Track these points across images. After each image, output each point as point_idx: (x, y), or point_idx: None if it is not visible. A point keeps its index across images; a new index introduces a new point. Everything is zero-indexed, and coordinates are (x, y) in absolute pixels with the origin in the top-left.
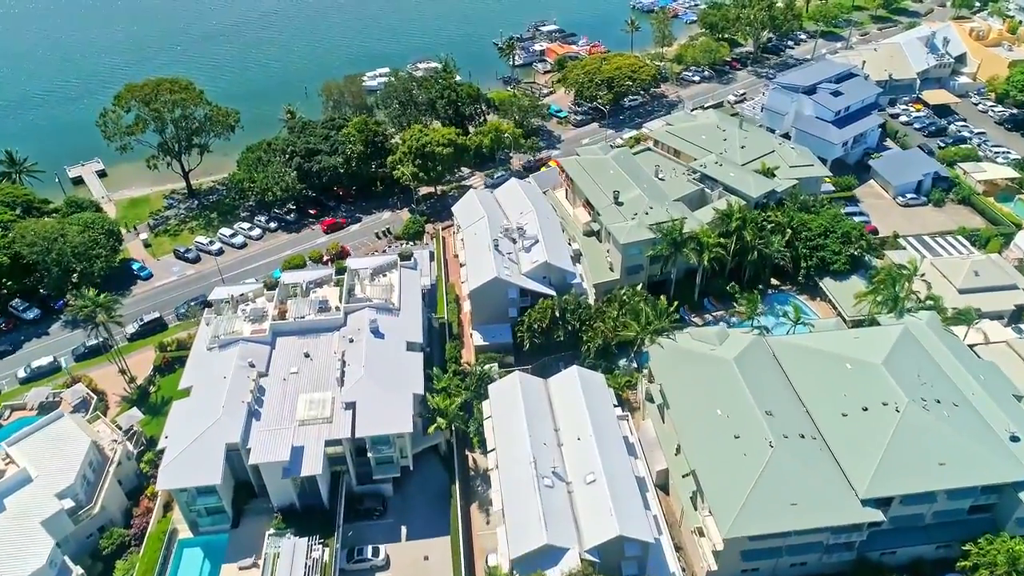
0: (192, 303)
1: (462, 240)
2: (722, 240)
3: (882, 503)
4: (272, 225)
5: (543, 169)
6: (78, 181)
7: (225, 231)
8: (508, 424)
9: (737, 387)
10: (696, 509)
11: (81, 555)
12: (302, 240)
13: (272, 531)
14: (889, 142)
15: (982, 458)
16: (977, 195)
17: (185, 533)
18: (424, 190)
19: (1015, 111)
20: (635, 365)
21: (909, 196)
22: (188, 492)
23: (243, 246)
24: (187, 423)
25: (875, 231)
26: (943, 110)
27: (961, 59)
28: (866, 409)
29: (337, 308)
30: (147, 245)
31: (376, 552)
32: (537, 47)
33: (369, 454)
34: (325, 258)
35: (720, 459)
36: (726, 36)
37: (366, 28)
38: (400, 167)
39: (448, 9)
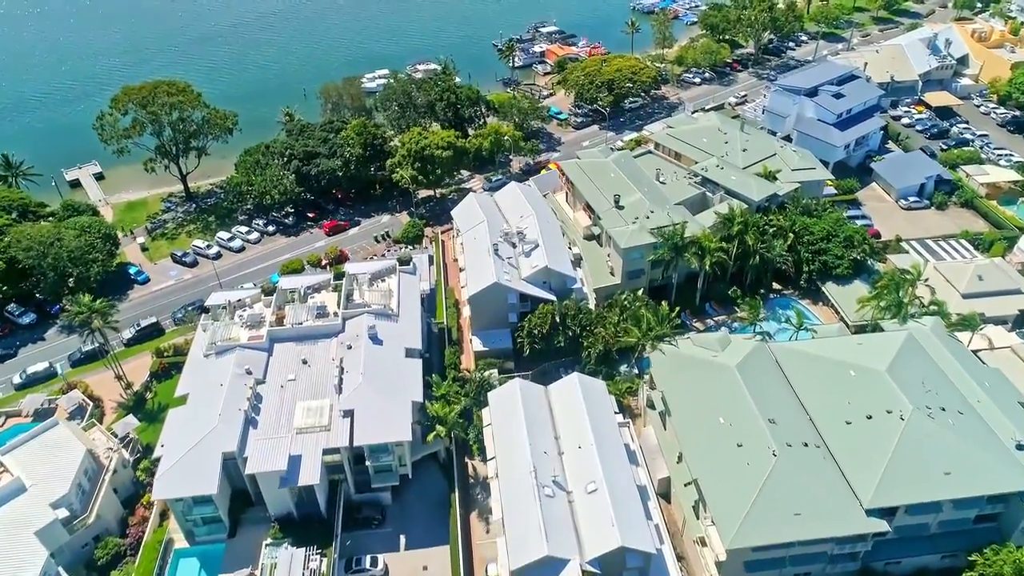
0: (189, 308)
1: (461, 244)
2: (724, 244)
3: (887, 513)
4: (270, 229)
5: (543, 172)
6: (75, 184)
7: (223, 235)
8: (508, 432)
9: (739, 394)
10: (698, 518)
11: (76, 565)
12: (300, 244)
13: (269, 541)
14: (891, 144)
15: (988, 467)
16: (980, 198)
17: (181, 543)
18: (423, 193)
19: (1017, 113)
20: (636, 371)
21: (912, 199)
22: (184, 502)
23: (241, 250)
24: (183, 431)
25: (877, 235)
26: (945, 112)
27: (963, 61)
28: (870, 417)
29: (335, 314)
30: (144, 249)
31: (375, 562)
32: (537, 48)
33: (367, 462)
34: (324, 262)
35: (723, 468)
36: (727, 37)
37: (365, 29)
38: (399, 170)
39: (447, 10)
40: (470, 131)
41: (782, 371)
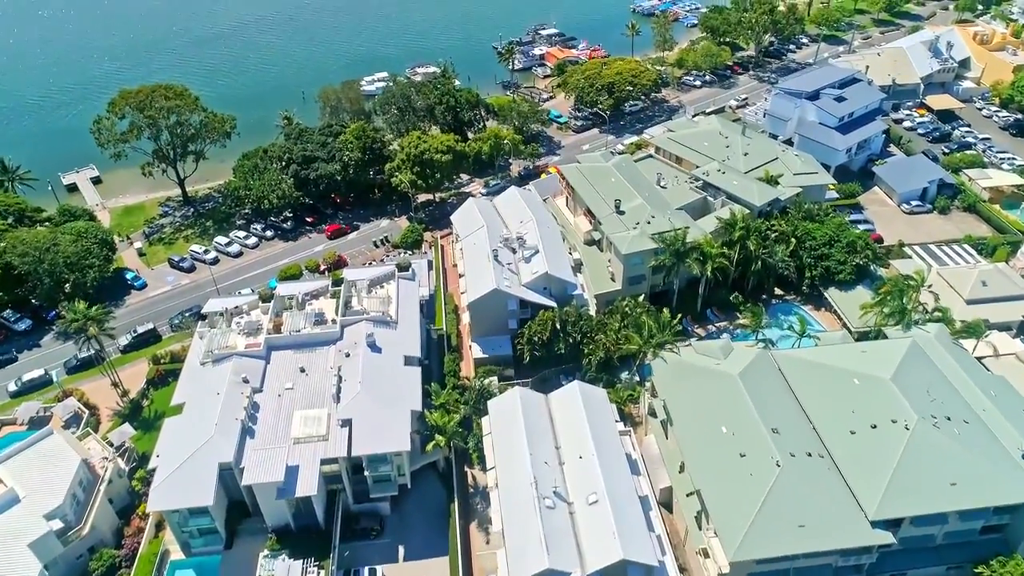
0: (187, 314)
1: (461, 250)
2: (725, 250)
3: (892, 524)
4: (268, 233)
5: (543, 176)
6: (72, 188)
7: (221, 240)
8: (508, 441)
9: (742, 403)
10: (701, 529)
11: None
12: (299, 248)
13: (266, 552)
14: (893, 148)
15: (994, 478)
16: (983, 202)
17: (177, 554)
18: (422, 197)
19: (1020, 116)
20: (637, 378)
21: (914, 203)
22: (180, 513)
23: (239, 255)
24: (179, 441)
25: (880, 239)
26: (947, 115)
27: (965, 63)
28: (875, 426)
29: (333, 321)
30: (141, 254)
31: (373, 573)
32: (537, 51)
33: (366, 472)
34: (322, 267)
35: (725, 478)
36: (727, 40)
37: (364, 32)
38: (398, 174)
39: (447, 13)
40: (469, 135)
41: (785, 379)
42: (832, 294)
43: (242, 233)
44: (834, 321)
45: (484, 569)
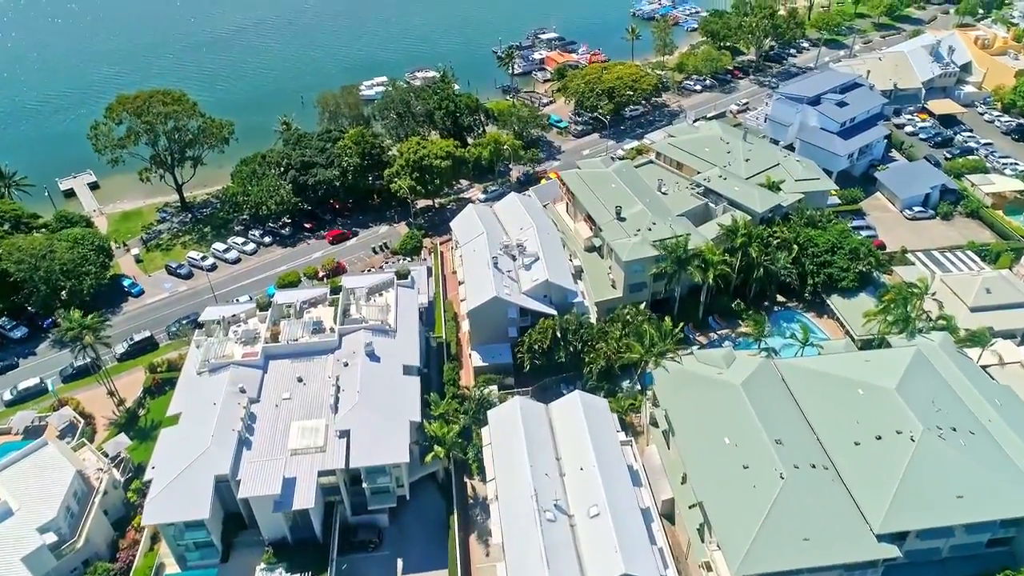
0: (184, 321)
1: (460, 257)
2: (727, 257)
3: (897, 538)
4: (267, 240)
5: (543, 182)
6: (70, 193)
7: (219, 246)
8: (508, 453)
9: (745, 413)
10: (704, 542)
11: None
12: (297, 255)
13: (263, 566)
14: (895, 153)
15: (1001, 490)
16: (986, 208)
17: (173, 568)
18: (422, 203)
19: (1022, 121)
20: (639, 387)
21: (916, 209)
22: (175, 526)
23: (237, 261)
24: (175, 453)
25: (882, 246)
26: (949, 120)
27: (966, 68)
28: (879, 438)
29: (332, 329)
30: (139, 260)
31: None
32: (537, 55)
33: (364, 484)
34: (321, 274)
35: (729, 491)
36: (728, 44)
37: (364, 36)
38: (397, 180)
39: (447, 17)
40: (469, 140)
41: (788, 389)
42: (835, 301)
43: (240, 239)
44: (837, 329)
45: None
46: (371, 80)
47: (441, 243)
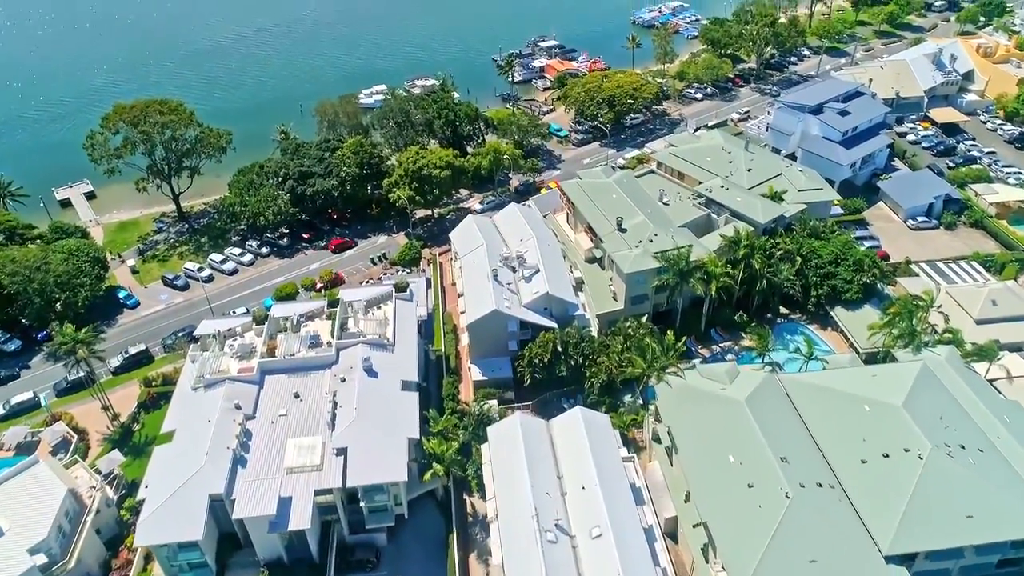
0: (180, 334)
1: (460, 268)
2: (730, 269)
3: (906, 559)
4: (264, 250)
5: (543, 192)
6: (66, 203)
7: (215, 257)
8: (508, 471)
9: (749, 430)
10: (708, 562)
11: None
12: (295, 266)
13: None
14: (897, 162)
15: (1012, 510)
16: (990, 218)
17: None
18: (421, 213)
19: None
20: (641, 402)
21: (920, 219)
22: (169, 547)
23: (234, 272)
24: (169, 472)
25: (886, 256)
26: (951, 128)
27: (968, 76)
28: (887, 455)
29: (329, 344)
30: (135, 271)
31: None
32: (536, 63)
33: (361, 503)
34: (318, 285)
35: (733, 510)
36: (728, 52)
37: (363, 44)
38: (396, 190)
39: (446, 24)
40: (469, 149)
41: (793, 405)
42: (839, 313)
43: (237, 250)
44: (841, 341)
45: None
46: (370, 88)
47: (440, 254)
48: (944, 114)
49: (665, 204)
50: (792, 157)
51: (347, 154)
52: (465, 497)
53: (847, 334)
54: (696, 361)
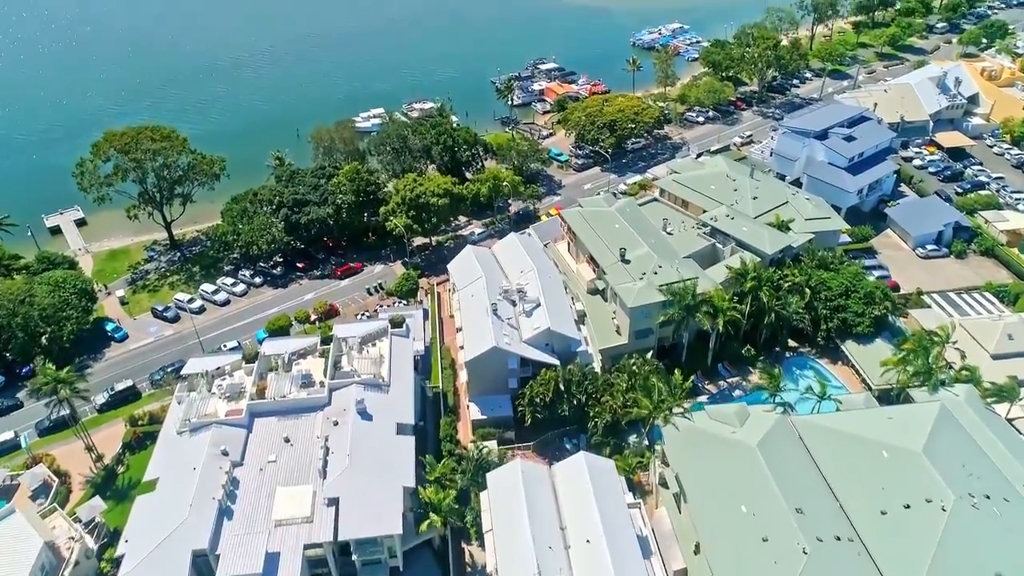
0: (168, 369)
1: (458, 301)
2: (737, 303)
3: None
4: (257, 280)
5: (544, 219)
6: (56, 230)
7: (207, 287)
8: (509, 522)
9: (763, 478)
10: None
11: None
12: (289, 296)
13: None
14: (905, 188)
15: None
16: (1001, 246)
17: None
18: (418, 241)
19: None
20: (647, 443)
21: (929, 247)
22: None
23: (226, 303)
24: (150, 524)
25: (896, 287)
26: (958, 153)
27: (974, 99)
28: (908, 506)
29: (321, 384)
30: (124, 302)
31: None
32: (536, 86)
33: (354, 556)
34: (312, 317)
35: (748, 566)
36: (730, 75)
37: (360, 66)
38: (393, 218)
39: (445, 47)
40: (467, 175)
41: (807, 450)
42: (849, 347)
43: (230, 280)
44: (852, 376)
45: None
46: (367, 112)
47: (438, 283)
48: (950, 138)
49: (669, 234)
50: (797, 183)
51: (343, 181)
52: (464, 546)
53: (859, 369)
54: (703, 398)
